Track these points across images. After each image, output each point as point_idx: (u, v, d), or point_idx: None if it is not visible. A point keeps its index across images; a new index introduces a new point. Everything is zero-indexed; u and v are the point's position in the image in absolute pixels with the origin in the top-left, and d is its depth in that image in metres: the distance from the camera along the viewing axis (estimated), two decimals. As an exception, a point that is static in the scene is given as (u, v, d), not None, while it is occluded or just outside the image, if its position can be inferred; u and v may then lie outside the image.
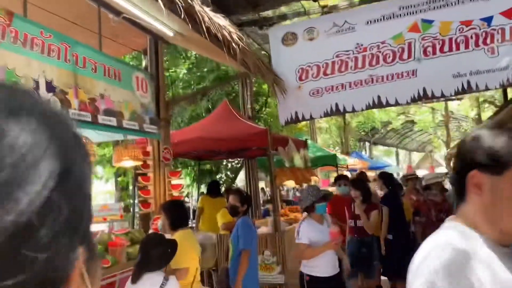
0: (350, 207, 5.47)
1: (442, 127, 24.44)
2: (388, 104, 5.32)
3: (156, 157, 5.27)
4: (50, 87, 3.59)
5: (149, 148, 5.31)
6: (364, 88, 5.38)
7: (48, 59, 3.61)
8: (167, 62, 10.02)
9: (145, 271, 2.89)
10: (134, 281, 2.88)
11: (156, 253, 2.93)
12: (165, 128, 5.35)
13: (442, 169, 27.14)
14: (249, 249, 4.14)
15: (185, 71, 8.89)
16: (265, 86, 11.02)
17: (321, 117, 5.88)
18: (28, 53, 3.40)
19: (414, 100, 5.25)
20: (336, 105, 5.50)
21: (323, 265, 4.00)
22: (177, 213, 3.51)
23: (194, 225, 7.36)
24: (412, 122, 23.59)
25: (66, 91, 3.78)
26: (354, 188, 5.29)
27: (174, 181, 5.34)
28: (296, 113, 5.67)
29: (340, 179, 6.35)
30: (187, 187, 11.65)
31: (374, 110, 19.60)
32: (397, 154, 32.36)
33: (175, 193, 5.32)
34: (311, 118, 5.77)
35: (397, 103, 5.33)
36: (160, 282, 2.87)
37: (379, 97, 5.31)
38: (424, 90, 5.11)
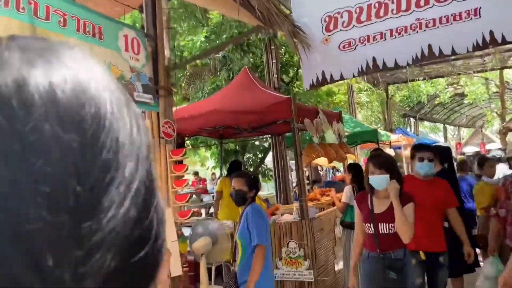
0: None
1: (495, 100, 22.57)
2: (442, 55, 4.10)
3: (156, 133, 4.43)
4: (-7, 42, 2.78)
5: (147, 122, 4.46)
6: (409, 36, 4.17)
7: (-11, 5, 2.80)
8: (186, 32, 9.16)
9: None
10: None
11: None
12: (165, 98, 4.48)
13: (495, 145, 25.26)
14: (264, 244, 3.31)
15: (203, 39, 8.01)
16: (296, 57, 9.95)
17: (354, 76, 4.75)
18: (-43, -5, 2.60)
19: (477, 48, 4.00)
20: (374, 59, 4.33)
21: None
22: None
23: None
24: (462, 94, 21.75)
25: (19, 48, 2.96)
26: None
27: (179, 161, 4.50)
28: (323, 73, 4.57)
29: (420, 149, 3.85)
30: (212, 168, 10.86)
31: (420, 82, 18.08)
32: (445, 130, 30.43)
33: (180, 175, 4.47)
34: (342, 79, 4.64)
35: (454, 53, 4.10)
36: None
37: (429, 46, 4.09)
38: (491, 33, 3.86)
